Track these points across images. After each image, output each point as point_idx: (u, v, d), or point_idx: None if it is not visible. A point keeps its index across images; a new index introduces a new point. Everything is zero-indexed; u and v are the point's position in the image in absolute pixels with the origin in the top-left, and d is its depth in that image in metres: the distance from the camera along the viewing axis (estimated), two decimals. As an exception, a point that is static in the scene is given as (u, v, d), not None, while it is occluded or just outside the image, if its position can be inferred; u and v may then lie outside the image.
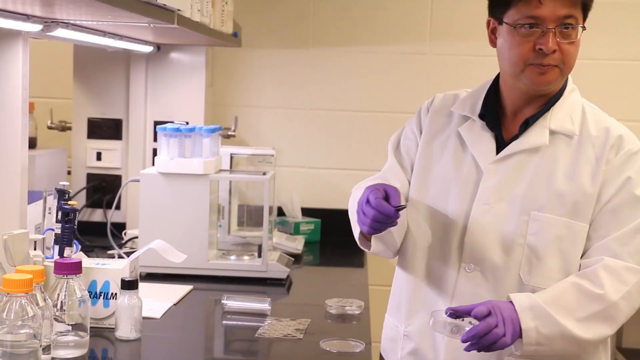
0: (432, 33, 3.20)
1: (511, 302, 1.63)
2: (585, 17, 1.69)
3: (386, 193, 1.63)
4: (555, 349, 1.63)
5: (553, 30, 1.65)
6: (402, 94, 3.22)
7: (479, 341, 1.58)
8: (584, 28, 1.69)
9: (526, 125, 1.74)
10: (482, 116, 1.79)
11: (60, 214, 1.89)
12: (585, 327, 1.62)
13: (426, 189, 1.82)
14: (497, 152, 1.75)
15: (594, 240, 1.69)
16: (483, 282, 1.71)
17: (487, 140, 1.77)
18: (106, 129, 3.01)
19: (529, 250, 1.70)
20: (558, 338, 1.61)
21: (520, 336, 1.61)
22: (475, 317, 1.59)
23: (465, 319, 1.62)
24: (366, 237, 1.79)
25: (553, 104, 1.75)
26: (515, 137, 1.75)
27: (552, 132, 1.73)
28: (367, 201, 1.61)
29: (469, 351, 1.60)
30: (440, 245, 1.78)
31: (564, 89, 1.76)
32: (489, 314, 1.59)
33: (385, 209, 1.58)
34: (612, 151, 1.69)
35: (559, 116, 1.74)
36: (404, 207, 1.61)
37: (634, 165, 1.69)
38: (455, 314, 1.62)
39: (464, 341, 1.58)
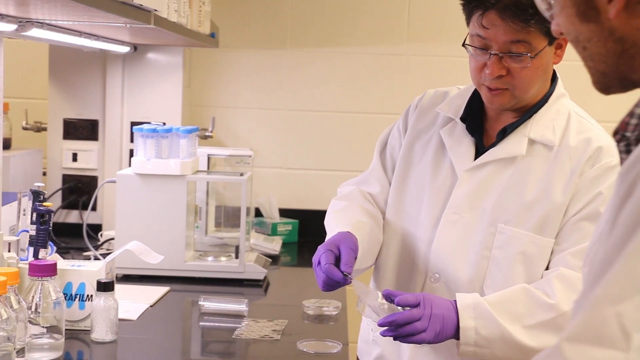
0: (410, 34, 3.21)
1: (455, 300, 1.58)
2: (552, 36, 1.59)
3: (340, 253, 1.60)
4: (496, 354, 1.57)
5: (498, 55, 1.60)
6: (380, 95, 3.23)
7: (396, 329, 1.53)
8: (558, 46, 1.61)
9: (504, 133, 1.70)
10: (464, 119, 1.74)
11: (35, 215, 1.88)
12: (532, 334, 1.56)
13: (403, 193, 1.79)
14: (477, 157, 1.71)
15: (554, 253, 1.64)
16: (447, 294, 1.66)
17: (467, 145, 1.73)
18: (82, 129, 2.99)
19: (493, 264, 1.65)
20: (499, 341, 1.56)
21: (457, 337, 1.56)
22: (399, 304, 1.54)
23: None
24: None
25: (536, 111, 1.69)
26: (494, 145, 1.70)
27: (532, 142, 1.67)
28: (319, 263, 1.60)
29: (385, 336, 1.56)
30: (410, 253, 1.75)
31: (550, 95, 1.70)
32: (417, 305, 1.54)
33: (334, 276, 1.57)
34: (589, 163, 1.63)
35: (541, 124, 1.68)
36: (351, 277, 1.57)
37: (607, 180, 1.62)
38: (390, 297, 1.56)
39: (379, 324, 1.54)
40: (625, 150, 0.94)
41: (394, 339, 1.56)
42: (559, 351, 0.83)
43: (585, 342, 0.81)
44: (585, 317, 0.82)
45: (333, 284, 1.59)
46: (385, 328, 1.54)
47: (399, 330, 1.53)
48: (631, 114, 0.93)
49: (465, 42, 1.66)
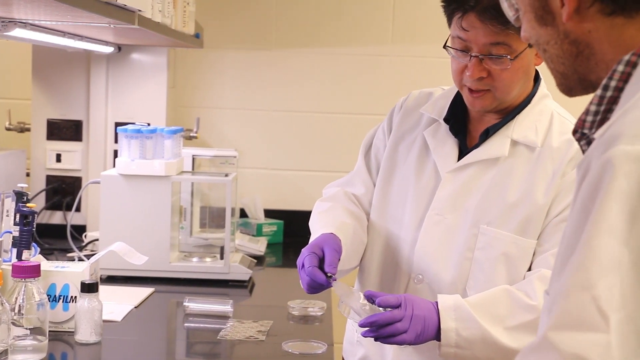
0: (394, 35, 3.22)
1: (437, 302, 1.58)
2: None
3: (324, 254, 1.60)
4: (477, 355, 1.57)
5: (478, 57, 1.60)
6: (365, 96, 3.23)
7: (377, 330, 1.53)
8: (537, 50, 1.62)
9: (486, 134, 1.70)
10: (447, 120, 1.75)
11: (18, 216, 1.87)
12: (513, 336, 1.56)
13: (388, 194, 1.79)
14: (460, 159, 1.71)
15: (537, 255, 1.64)
16: (430, 295, 1.66)
17: (450, 146, 1.73)
18: (66, 130, 2.97)
19: (475, 265, 1.66)
20: (479, 343, 1.56)
21: (438, 338, 1.56)
22: (380, 305, 1.54)
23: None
24: None
25: (518, 112, 1.69)
26: (477, 146, 1.70)
27: (514, 143, 1.67)
28: (303, 266, 1.60)
29: (365, 337, 1.56)
30: (394, 255, 1.75)
31: (533, 95, 1.70)
32: (398, 305, 1.54)
33: (317, 279, 1.57)
34: (570, 165, 1.63)
35: (524, 125, 1.68)
36: (334, 279, 1.57)
37: None
38: (372, 298, 1.56)
39: (360, 325, 1.54)
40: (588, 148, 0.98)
41: (375, 340, 1.56)
42: (547, 341, 0.86)
43: (570, 329, 0.85)
44: (564, 305, 0.87)
45: (317, 287, 1.59)
46: (367, 329, 1.54)
47: (380, 331, 1.53)
48: (587, 112, 0.99)
49: (446, 44, 1.66)
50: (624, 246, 0.84)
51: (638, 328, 0.84)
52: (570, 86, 1.05)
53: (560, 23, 1.00)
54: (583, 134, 1.01)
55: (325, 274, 1.58)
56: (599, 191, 0.87)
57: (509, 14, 1.10)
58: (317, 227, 1.72)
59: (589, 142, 0.99)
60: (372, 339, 1.58)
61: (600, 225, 0.85)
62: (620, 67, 0.96)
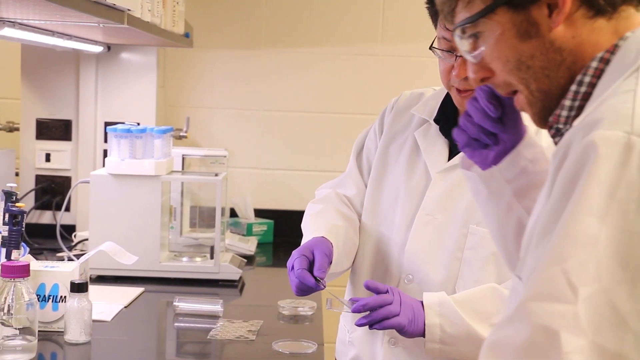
0: (384, 34, 3.22)
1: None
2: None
3: (314, 257, 1.61)
4: (462, 352, 1.58)
5: (463, 57, 1.62)
6: (355, 95, 3.23)
7: (370, 315, 1.54)
8: None
9: None
10: (437, 120, 1.75)
11: (7, 216, 1.86)
12: None
13: (379, 195, 1.80)
14: (450, 159, 1.72)
15: None
16: (419, 295, 1.65)
17: (440, 146, 1.74)
18: (55, 129, 2.96)
19: (465, 265, 1.66)
20: (464, 339, 1.57)
21: (424, 335, 1.58)
22: (368, 288, 1.56)
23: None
24: None
25: None
26: None
27: None
28: (292, 268, 1.61)
29: (360, 326, 1.57)
30: (384, 255, 1.76)
31: None
32: (386, 292, 1.56)
33: (306, 282, 1.58)
34: None
35: None
36: (323, 284, 1.59)
37: None
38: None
39: (353, 311, 1.55)
40: None
41: (370, 327, 1.57)
42: (524, 309, 0.90)
43: (539, 301, 0.89)
44: (538, 277, 0.90)
45: (306, 289, 1.60)
46: (361, 317, 1.55)
47: (373, 314, 1.54)
48: (561, 107, 1.03)
49: (433, 45, 1.66)
50: (601, 223, 0.87)
51: (613, 301, 0.86)
52: (551, 107, 1.06)
53: (546, 32, 1.02)
54: (558, 129, 1.04)
55: (315, 277, 1.58)
56: (581, 173, 0.90)
57: (464, 47, 1.08)
58: (308, 230, 1.73)
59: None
60: (365, 339, 1.59)
61: (580, 205, 0.89)
62: (594, 64, 1.00)
